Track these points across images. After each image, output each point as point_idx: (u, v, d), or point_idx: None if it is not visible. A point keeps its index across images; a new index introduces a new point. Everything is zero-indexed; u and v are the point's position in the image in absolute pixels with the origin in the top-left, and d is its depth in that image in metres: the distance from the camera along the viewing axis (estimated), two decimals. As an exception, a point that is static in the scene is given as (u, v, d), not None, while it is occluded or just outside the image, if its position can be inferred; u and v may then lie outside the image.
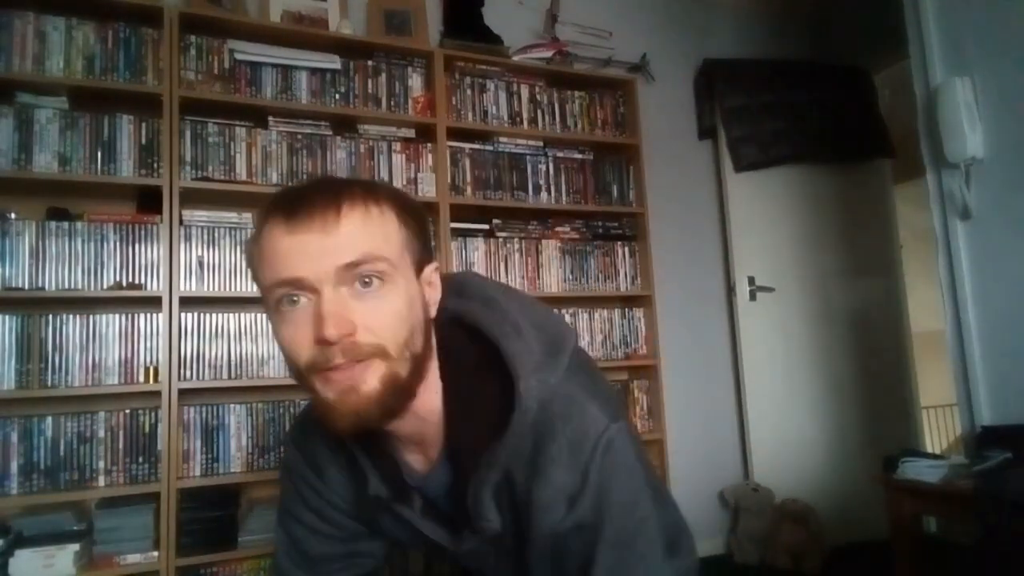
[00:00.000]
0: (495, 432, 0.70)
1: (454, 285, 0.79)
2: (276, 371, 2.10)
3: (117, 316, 1.94)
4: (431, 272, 0.73)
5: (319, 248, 0.63)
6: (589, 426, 0.70)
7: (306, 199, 0.65)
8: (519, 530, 0.73)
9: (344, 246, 0.63)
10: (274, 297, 0.65)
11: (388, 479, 0.77)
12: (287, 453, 0.90)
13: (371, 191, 0.68)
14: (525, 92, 2.62)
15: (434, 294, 0.73)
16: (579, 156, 2.68)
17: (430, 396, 0.73)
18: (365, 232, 0.65)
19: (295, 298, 0.64)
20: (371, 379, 0.64)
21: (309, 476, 0.86)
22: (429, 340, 0.72)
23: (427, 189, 2.37)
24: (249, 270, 0.71)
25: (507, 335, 0.72)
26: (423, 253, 0.71)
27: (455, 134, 2.46)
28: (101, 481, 1.88)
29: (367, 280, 0.65)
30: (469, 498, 0.71)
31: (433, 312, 0.73)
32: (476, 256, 2.44)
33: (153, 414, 1.94)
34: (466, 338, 0.75)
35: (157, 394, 1.92)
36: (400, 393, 0.67)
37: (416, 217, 0.71)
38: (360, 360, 0.64)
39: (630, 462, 0.72)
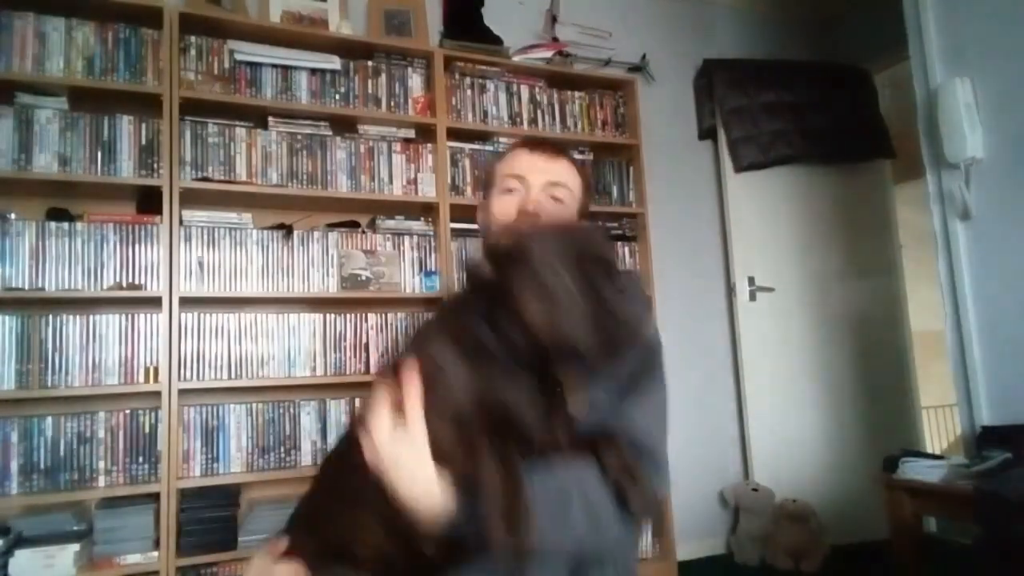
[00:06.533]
0: None
1: None
2: (276, 371, 2.10)
3: (117, 316, 1.95)
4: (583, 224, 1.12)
5: (542, 166, 1.06)
6: None
7: (547, 142, 1.11)
8: None
9: (555, 171, 1.06)
10: (502, 184, 1.07)
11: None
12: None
13: (578, 163, 1.13)
14: (525, 92, 2.62)
15: None
16: (579, 156, 2.67)
17: None
18: (567, 172, 1.08)
19: (513, 189, 1.05)
20: None
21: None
22: None
23: (427, 189, 2.37)
24: (485, 176, 1.26)
25: None
26: (584, 211, 1.13)
27: (455, 134, 2.45)
28: (101, 481, 1.88)
29: (555, 198, 1.05)
30: None
31: None
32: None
33: (153, 414, 1.94)
34: None
35: (157, 394, 1.92)
36: None
37: (588, 188, 1.14)
38: None
39: None
